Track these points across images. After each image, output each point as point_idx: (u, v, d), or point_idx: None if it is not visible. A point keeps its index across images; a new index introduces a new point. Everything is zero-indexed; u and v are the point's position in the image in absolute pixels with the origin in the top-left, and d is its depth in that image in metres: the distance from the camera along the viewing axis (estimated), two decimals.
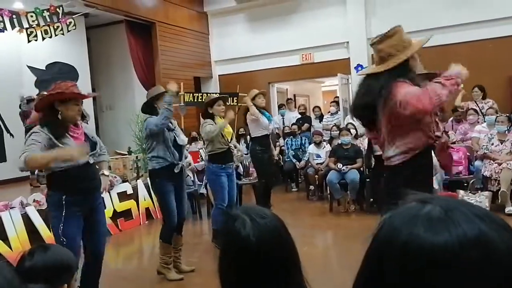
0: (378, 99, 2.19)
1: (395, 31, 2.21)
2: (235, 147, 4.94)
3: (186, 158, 4.44)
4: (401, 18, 8.66)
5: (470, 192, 5.52)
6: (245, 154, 7.99)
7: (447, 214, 0.56)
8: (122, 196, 6.23)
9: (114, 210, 5.99)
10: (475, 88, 7.35)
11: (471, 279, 0.52)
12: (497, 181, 5.48)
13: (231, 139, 4.85)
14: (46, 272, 1.50)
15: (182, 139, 4.06)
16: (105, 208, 3.55)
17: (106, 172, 3.16)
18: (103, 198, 5.80)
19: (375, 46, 2.24)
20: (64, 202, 2.76)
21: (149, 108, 4.00)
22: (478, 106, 7.10)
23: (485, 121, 6.54)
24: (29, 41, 6.36)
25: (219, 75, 10.92)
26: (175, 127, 4.02)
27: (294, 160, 7.81)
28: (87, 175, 2.87)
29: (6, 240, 4.60)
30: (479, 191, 5.51)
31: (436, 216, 0.56)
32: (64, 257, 1.60)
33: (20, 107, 7.04)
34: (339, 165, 6.21)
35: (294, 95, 12.47)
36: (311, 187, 7.23)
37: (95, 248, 3.01)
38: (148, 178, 4.43)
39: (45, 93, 3.04)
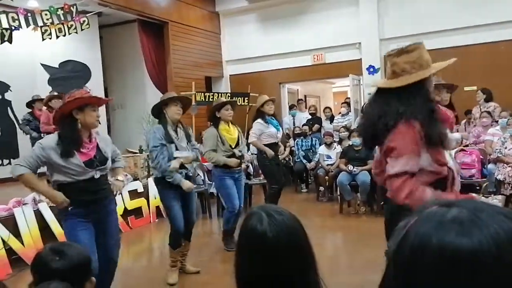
0: (381, 126, 1.92)
1: (415, 47, 1.96)
2: (240, 153, 4.69)
3: (197, 160, 4.30)
4: (413, 20, 8.73)
5: (483, 196, 5.44)
6: (254, 154, 7.99)
7: (476, 215, 0.55)
8: (133, 194, 6.27)
9: (125, 208, 6.03)
10: (478, 91, 7.33)
11: (508, 278, 0.52)
12: (510, 185, 5.41)
13: (237, 145, 4.70)
14: (76, 270, 1.53)
15: (180, 155, 3.83)
16: (116, 205, 3.48)
17: (120, 178, 3.19)
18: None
19: (391, 59, 2.00)
20: (69, 213, 2.83)
21: (157, 112, 3.92)
22: (480, 109, 7.06)
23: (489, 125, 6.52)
24: (43, 39, 6.42)
25: (230, 75, 10.93)
26: (178, 139, 3.85)
27: (304, 161, 7.79)
28: (91, 189, 2.88)
29: (18, 236, 4.65)
30: (492, 195, 5.43)
31: (465, 218, 0.55)
32: (85, 252, 1.64)
33: (20, 125, 7.05)
34: (350, 167, 6.18)
35: (305, 96, 12.45)
36: (321, 188, 7.20)
37: (106, 257, 2.98)
38: None
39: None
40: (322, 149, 7.31)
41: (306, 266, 1.12)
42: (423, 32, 8.62)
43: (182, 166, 3.86)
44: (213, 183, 5.05)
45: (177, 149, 3.81)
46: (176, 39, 9.40)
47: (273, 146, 5.59)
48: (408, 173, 1.83)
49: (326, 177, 6.93)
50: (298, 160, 7.89)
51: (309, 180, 8.16)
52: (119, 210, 5.96)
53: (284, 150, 8.40)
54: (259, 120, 5.55)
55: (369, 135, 2.03)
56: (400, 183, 1.84)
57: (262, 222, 1.10)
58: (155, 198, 6.49)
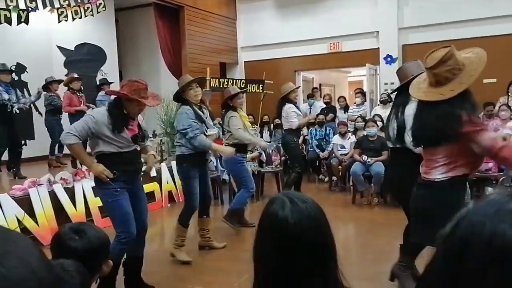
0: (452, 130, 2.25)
1: (449, 55, 2.22)
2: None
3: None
4: (433, 9, 8.55)
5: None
6: (268, 142, 7.96)
7: None
8: (146, 178, 6.28)
9: None
10: None
11: None
12: None
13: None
14: (94, 251, 1.54)
15: (211, 132, 4.10)
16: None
17: (153, 152, 3.47)
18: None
19: (431, 71, 2.29)
20: (113, 182, 3.05)
21: (178, 96, 4.10)
22: (509, 102, 6.93)
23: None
24: (59, 21, 6.41)
25: (245, 62, 10.87)
26: (206, 117, 4.09)
27: (317, 150, 7.73)
28: (131, 160, 3.15)
29: (33, 216, 4.71)
30: (509, 189, 5.34)
31: None
32: (104, 234, 1.64)
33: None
34: (364, 157, 6.12)
35: (320, 84, 12.33)
36: (334, 178, 7.16)
37: (140, 220, 3.23)
38: (173, 162, 4.55)
39: (120, 90, 3.28)
40: (336, 139, 7.24)
41: (326, 256, 1.10)
42: (442, 22, 8.45)
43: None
44: (228, 168, 5.25)
45: (207, 127, 4.04)
46: (192, 24, 9.34)
47: (299, 130, 6.10)
48: None
49: (339, 167, 6.88)
50: (312, 149, 7.84)
51: (322, 169, 8.12)
52: None
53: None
54: (290, 105, 5.85)
55: (429, 136, 2.40)
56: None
57: (284, 208, 1.09)
58: (168, 183, 6.54)
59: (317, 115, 8.26)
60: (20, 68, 7.91)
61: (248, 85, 8.58)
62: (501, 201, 0.55)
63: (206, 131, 4.00)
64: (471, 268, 0.53)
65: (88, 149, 3.29)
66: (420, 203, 2.49)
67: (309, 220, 1.08)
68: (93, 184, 5.33)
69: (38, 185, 4.94)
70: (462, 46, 2.44)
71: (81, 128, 2.98)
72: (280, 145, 6.89)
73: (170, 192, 6.55)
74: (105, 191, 3.11)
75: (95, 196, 5.35)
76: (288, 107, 5.85)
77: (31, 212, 4.72)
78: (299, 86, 6.04)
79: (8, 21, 5.62)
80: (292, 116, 5.85)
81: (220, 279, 3.69)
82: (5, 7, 5.55)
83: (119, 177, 3.06)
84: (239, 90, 5.08)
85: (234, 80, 8.38)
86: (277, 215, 1.08)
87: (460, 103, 2.21)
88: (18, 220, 4.56)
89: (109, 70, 9.20)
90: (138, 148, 3.22)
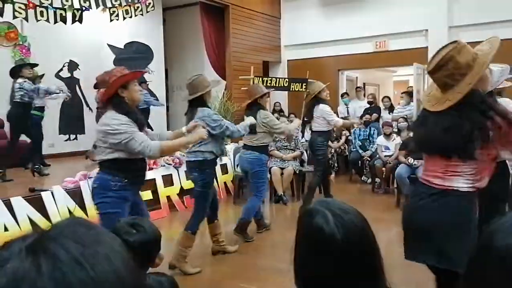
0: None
1: (448, 59, 1.88)
2: None
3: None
4: (486, 7, 8.19)
5: None
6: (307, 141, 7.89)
7: None
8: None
9: (181, 188, 6.18)
10: None
11: None
12: None
13: None
14: (150, 244, 1.59)
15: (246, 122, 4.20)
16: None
17: None
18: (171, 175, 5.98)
19: (431, 76, 2.01)
20: (119, 187, 2.71)
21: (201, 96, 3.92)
22: None
23: None
24: (111, 20, 6.64)
25: (288, 60, 10.83)
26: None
27: (360, 151, 7.60)
28: (144, 168, 2.86)
29: (83, 208, 4.92)
30: None
31: None
32: (156, 227, 1.68)
33: None
34: (410, 159, 5.95)
35: (364, 84, 12.11)
36: (377, 180, 7.01)
37: None
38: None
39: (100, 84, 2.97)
40: (380, 140, 7.09)
41: (375, 266, 1.06)
42: (496, 20, 8.06)
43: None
44: (248, 167, 4.68)
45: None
46: (236, 22, 9.41)
47: (330, 133, 5.73)
48: None
49: (383, 169, 6.73)
50: (354, 149, 7.71)
51: (365, 170, 7.97)
52: (176, 189, 6.13)
53: (340, 138, 8.25)
54: (324, 104, 5.57)
55: (437, 149, 2.08)
56: None
57: (328, 222, 1.02)
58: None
59: (362, 116, 8.11)
60: (73, 65, 8.26)
61: (291, 83, 8.55)
62: None
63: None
64: (489, 281, 0.58)
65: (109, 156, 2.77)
66: (435, 215, 2.04)
67: (356, 233, 1.03)
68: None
69: (89, 178, 5.14)
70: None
71: (140, 138, 2.69)
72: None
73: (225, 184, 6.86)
74: (107, 199, 2.70)
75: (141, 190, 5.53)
76: (323, 107, 5.55)
77: (81, 204, 4.92)
78: (328, 84, 5.79)
79: (63, 20, 5.88)
80: (330, 113, 5.54)
81: (263, 276, 3.71)
82: (61, 7, 5.81)
83: (128, 185, 2.72)
84: (265, 89, 4.84)
85: (278, 79, 8.37)
86: (322, 230, 1.02)
87: (469, 109, 1.86)
88: (69, 211, 4.77)
89: (156, 68, 9.44)
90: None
